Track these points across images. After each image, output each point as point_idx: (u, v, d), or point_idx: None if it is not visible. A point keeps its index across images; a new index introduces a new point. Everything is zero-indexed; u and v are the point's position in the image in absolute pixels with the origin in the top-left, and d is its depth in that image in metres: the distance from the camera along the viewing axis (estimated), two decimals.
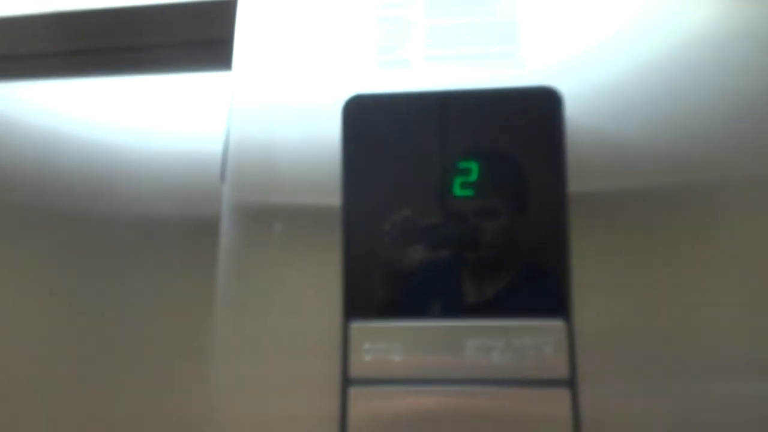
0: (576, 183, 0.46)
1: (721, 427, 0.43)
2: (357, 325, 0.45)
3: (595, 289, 0.45)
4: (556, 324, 0.44)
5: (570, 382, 0.43)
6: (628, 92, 0.49)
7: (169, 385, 0.60)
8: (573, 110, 0.48)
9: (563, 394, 0.43)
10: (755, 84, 0.48)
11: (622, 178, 0.47)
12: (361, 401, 0.44)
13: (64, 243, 0.67)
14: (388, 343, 0.45)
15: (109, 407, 0.61)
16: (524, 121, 0.46)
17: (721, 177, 0.47)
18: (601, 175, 0.47)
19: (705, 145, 0.48)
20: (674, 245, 0.46)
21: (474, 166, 0.46)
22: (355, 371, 0.44)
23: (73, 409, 0.61)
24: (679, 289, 0.45)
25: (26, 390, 0.62)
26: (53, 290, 0.65)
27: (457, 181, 0.46)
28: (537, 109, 0.46)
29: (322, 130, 0.50)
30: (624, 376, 0.44)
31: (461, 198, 0.46)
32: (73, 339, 0.64)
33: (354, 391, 0.44)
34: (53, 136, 0.68)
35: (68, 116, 0.68)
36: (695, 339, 0.44)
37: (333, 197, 0.48)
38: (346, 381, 0.44)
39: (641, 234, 0.46)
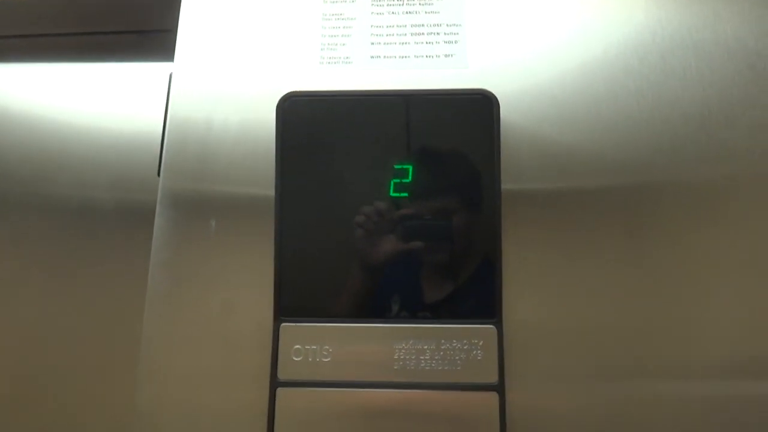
0: (510, 184, 0.47)
1: (647, 428, 0.44)
2: (288, 326, 0.45)
3: (527, 292, 0.46)
4: (487, 328, 0.44)
5: (499, 386, 0.43)
6: (568, 96, 0.49)
7: (103, 373, 0.59)
8: (512, 113, 0.48)
9: (491, 398, 0.43)
10: (692, 91, 0.49)
11: (557, 179, 0.47)
12: (290, 402, 0.44)
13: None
14: (318, 344, 0.44)
15: (43, 396, 0.60)
16: (459, 123, 0.46)
17: (657, 180, 0.47)
18: (535, 177, 0.47)
19: (641, 149, 0.48)
20: (606, 246, 0.46)
21: (409, 168, 0.45)
22: (284, 372, 0.44)
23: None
24: (610, 291, 0.46)
25: None
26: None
27: (393, 183, 0.45)
28: (472, 112, 0.45)
29: (260, 125, 0.49)
30: (553, 379, 0.44)
31: (396, 200, 0.45)
32: (10, 327, 0.62)
33: (282, 392, 0.44)
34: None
35: (12, 99, 0.67)
36: (624, 341, 0.45)
37: (269, 190, 0.47)
38: (275, 381, 0.44)
39: (574, 235, 0.46)
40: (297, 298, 0.45)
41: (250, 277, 0.47)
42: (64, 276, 0.63)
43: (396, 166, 0.45)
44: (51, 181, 0.65)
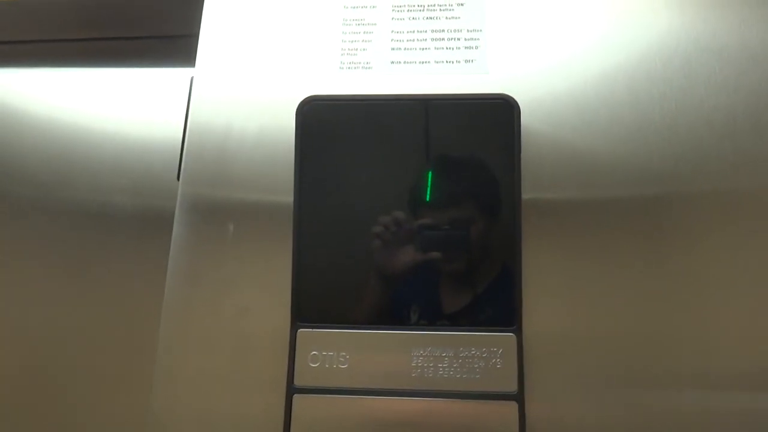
0: (531, 192, 0.46)
1: None
2: (304, 331, 0.44)
3: (546, 301, 0.45)
4: (506, 336, 0.43)
5: (518, 395, 0.42)
6: (590, 103, 0.49)
7: (116, 375, 0.59)
8: (533, 119, 0.48)
9: (510, 407, 0.42)
10: (717, 97, 0.48)
11: (578, 187, 0.47)
12: (306, 408, 0.43)
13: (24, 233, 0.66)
14: (335, 350, 0.44)
15: (53, 401, 0.60)
16: (480, 128, 0.45)
17: (679, 190, 0.47)
18: (556, 185, 0.47)
19: (665, 157, 0.47)
20: (627, 256, 0.45)
21: (429, 174, 0.45)
22: (300, 378, 0.44)
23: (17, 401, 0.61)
24: (630, 301, 0.45)
25: None
26: (11, 279, 0.64)
27: (412, 189, 0.45)
28: (493, 117, 0.45)
29: (280, 130, 0.49)
30: (573, 388, 0.44)
31: (415, 205, 0.45)
32: (28, 329, 0.63)
33: (299, 398, 0.43)
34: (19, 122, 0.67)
35: (29, 98, 0.68)
36: (645, 350, 0.44)
37: (288, 196, 0.47)
38: (292, 387, 0.43)
39: (594, 244, 0.46)
40: (314, 304, 0.45)
41: (267, 283, 0.47)
42: (80, 278, 0.64)
43: (415, 172, 0.45)
44: (70, 186, 0.66)
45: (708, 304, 0.44)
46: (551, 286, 0.45)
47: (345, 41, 0.52)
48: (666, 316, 0.44)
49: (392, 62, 0.50)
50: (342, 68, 0.51)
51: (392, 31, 0.51)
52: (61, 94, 0.69)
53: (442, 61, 0.50)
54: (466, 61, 0.50)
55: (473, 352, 0.43)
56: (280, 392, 0.44)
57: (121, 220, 0.64)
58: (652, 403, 0.43)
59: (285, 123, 0.49)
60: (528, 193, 0.46)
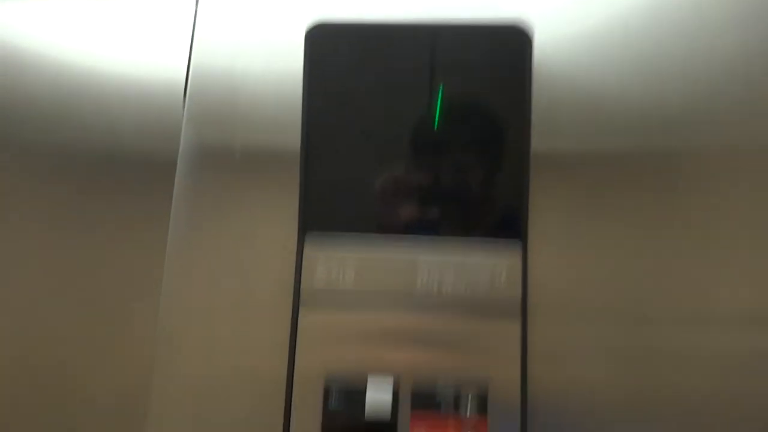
0: (541, 138, 0.46)
1: (673, 375, 0.43)
2: (312, 241, 0.45)
3: (553, 250, 0.45)
4: (511, 245, 0.44)
5: (521, 307, 0.43)
6: (604, 43, 0.48)
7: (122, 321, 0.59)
8: (546, 55, 0.48)
9: (514, 321, 0.43)
10: (733, 44, 0.47)
11: (592, 134, 0.46)
12: (313, 322, 0.44)
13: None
14: (342, 261, 0.44)
15: (61, 343, 0.60)
16: (490, 57, 0.46)
17: (693, 142, 0.46)
18: (567, 132, 0.46)
19: (678, 108, 0.46)
20: (639, 207, 0.45)
21: (437, 99, 0.46)
22: (307, 290, 0.44)
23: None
24: (640, 247, 0.44)
25: None
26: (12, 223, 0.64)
27: (419, 110, 0.46)
28: (503, 46, 0.45)
29: (287, 62, 0.49)
30: (579, 340, 0.44)
31: (421, 126, 0.46)
32: (30, 273, 0.62)
33: (305, 312, 0.44)
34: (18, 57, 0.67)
35: (32, 36, 0.67)
36: (649, 289, 0.44)
37: (295, 136, 0.47)
38: (298, 300, 0.44)
39: (605, 195, 0.46)
40: (323, 210, 0.45)
41: (272, 226, 0.47)
42: (84, 222, 0.63)
43: (425, 97, 0.46)
44: (73, 127, 0.65)
45: (720, 254, 0.44)
46: (557, 236, 0.45)
47: None
48: (678, 266, 0.44)
49: None
50: None
51: None
52: (67, 30, 0.68)
53: None
54: None
55: (478, 261, 0.44)
56: (286, 312, 0.45)
57: (126, 162, 0.62)
58: (654, 337, 0.43)
59: (288, 53, 0.49)
60: (538, 139, 0.46)
